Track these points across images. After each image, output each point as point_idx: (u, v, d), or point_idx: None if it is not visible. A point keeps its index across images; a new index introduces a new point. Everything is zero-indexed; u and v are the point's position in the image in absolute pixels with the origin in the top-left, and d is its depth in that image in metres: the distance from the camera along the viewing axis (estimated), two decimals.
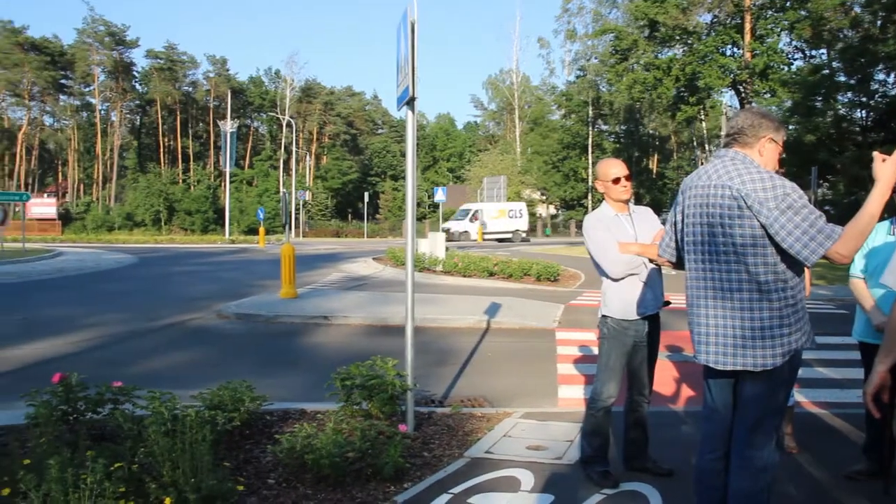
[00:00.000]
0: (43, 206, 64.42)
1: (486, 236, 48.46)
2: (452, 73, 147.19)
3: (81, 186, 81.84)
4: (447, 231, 47.07)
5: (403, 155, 54.36)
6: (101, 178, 79.02)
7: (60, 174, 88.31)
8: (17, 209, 47.73)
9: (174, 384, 5.69)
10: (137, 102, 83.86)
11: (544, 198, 73.33)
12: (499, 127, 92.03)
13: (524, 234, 50.20)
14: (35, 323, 11.38)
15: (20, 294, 15.96)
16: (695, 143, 63.48)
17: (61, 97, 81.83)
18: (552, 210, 76.03)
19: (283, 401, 6.05)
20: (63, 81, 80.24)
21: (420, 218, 58.65)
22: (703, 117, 50.68)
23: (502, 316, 11.64)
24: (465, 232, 48.88)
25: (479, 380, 7.63)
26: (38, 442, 3.45)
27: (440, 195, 33.65)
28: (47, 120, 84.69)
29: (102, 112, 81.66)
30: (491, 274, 18.84)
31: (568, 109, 69.33)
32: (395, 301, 13.46)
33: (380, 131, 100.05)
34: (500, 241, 47.60)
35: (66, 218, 67.77)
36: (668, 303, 4.55)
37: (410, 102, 5.19)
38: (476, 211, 50.20)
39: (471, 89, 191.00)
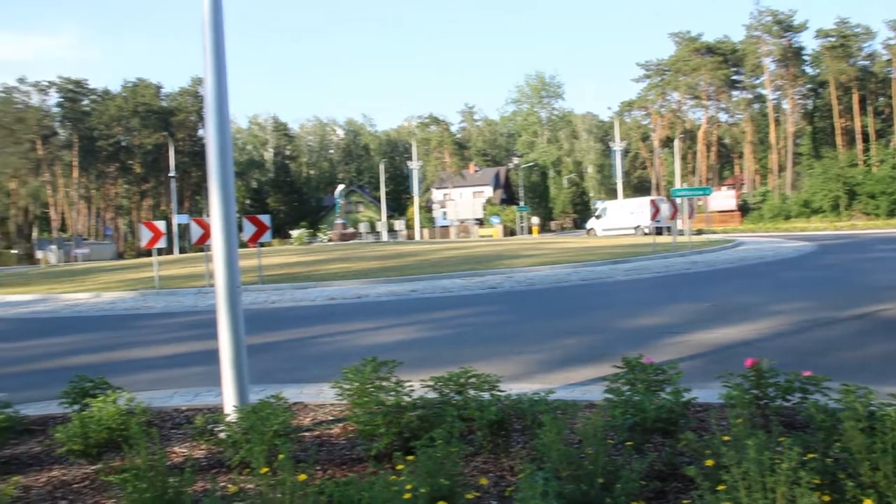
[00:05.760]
0: (723, 199, 67.77)
1: (607, 232, 51.72)
2: None
3: (757, 177, 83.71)
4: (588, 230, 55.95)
5: None
6: (776, 167, 79.54)
7: (738, 166, 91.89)
8: (699, 202, 51.25)
9: (866, 378, 5.36)
10: (809, 86, 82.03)
11: None
12: None
13: (647, 230, 47.41)
14: (723, 309, 12.02)
15: (708, 282, 17.09)
16: None
17: (733, 93, 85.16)
18: None
19: None
20: (735, 78, 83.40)
21: None
22: None
23: None
24: (592, 229, 54.95)
25: None
26: (735, 422, 3.62)
27: None
28: (722, 116, 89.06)
29: (774, 101, 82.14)
30: None
31: None
32: None
33: None
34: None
35: (743, 208, 70.01)
36: None
37: None
38: (604, 208, 55.93)
39: None
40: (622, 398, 4.36)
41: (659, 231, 47.42)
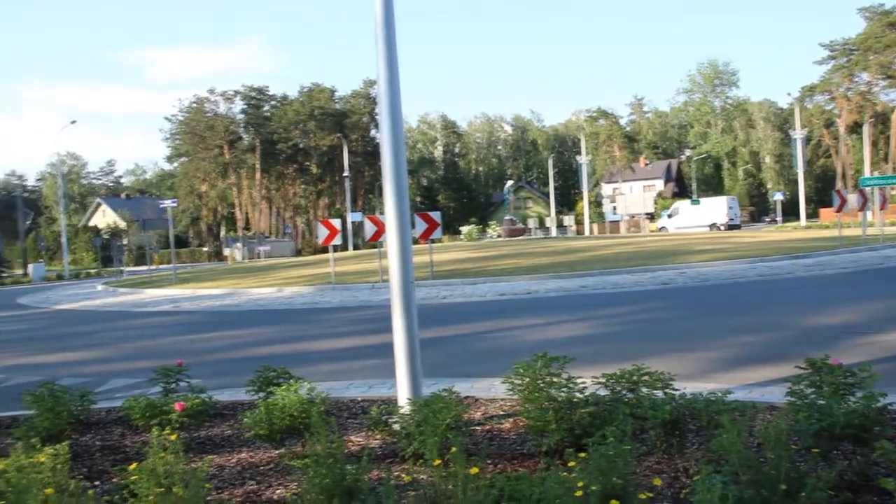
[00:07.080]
0: None
1: (681, 229, 54.18)
2: None
3: None
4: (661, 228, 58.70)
5: None
6: None
7: None
8: (893, 192, 47.43)
9: None
10: None
11: None
12: None
13: (722, 227, 54.04)
14: None
15: None
16: None
17: None
18: None
19: None
20: None
21: None
22: None
23: None
24: (664, 227, 58.43)
25: None
26: None
27: None
28: None
29: None
30: None
31: None
32: None
33: None
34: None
35: None
36: None
37: None
38: (675, 208, 60.85)
39: None
40: (806, 401, 4.10)
41: (731, 228, 53.45)
